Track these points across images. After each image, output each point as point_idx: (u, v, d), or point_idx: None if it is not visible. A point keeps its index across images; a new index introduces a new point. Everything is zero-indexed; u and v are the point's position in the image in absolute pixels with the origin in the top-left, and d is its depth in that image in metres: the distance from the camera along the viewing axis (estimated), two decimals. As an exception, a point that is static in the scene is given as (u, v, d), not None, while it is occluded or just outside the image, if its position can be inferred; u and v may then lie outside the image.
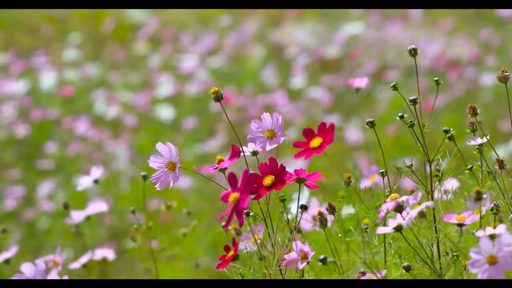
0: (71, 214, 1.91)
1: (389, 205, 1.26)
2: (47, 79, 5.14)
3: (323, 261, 1.22)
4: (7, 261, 1.81)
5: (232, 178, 1.20)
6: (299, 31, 6.05)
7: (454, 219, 1.28)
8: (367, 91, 4.88)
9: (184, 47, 5.73)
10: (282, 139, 1.32)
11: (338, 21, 6.02)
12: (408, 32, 5.77)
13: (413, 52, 1.43)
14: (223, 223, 1.23)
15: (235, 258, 1.29)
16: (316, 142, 1.27)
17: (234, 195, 1.19)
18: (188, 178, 4.06)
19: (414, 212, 1.21)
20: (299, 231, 1.43)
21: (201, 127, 4.70)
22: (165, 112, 4.84)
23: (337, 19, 6.12)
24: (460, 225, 1.28)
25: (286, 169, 1.29)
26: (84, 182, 1.86)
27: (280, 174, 1.28)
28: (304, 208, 1.35)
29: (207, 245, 3.07)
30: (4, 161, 4.43)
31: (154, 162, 1.31)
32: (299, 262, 1.31)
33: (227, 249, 1.31)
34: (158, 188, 1.30)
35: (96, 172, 1.85)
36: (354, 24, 5.66)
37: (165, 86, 5.08)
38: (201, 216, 3.22)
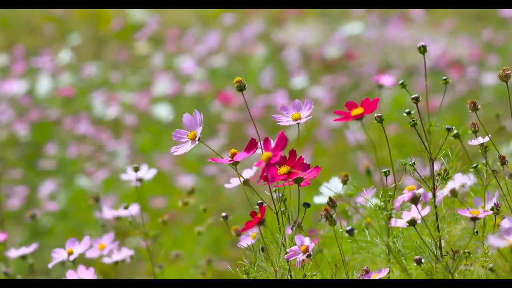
0: (103, 210, 1.89)
1: (405, 196, 1.26)
2: (43, 85, 5.13)
3: (350, 232, 1.22)
4: (23, 257, 1.82)
5: (266, 141, 1.26)
6: (301, 31, 6.05)
7: (468, 213, 1.28)
8: (368, 91, 4.88)
9: (186, 47, 5.73)
10: (305, 120, 1.38)
11: (339, 21, 6.02)
12: (409, 32, 5.77)
13: (423, 49, 1.43)
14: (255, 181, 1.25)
15: (261, 222, 1.29)
16: (357, 111, 1.29)
17: (267, 153, 1.23)
18: (190, 177, 4.06)
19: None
20: (300, 227, 1.44)
21: (202, 127, 4.70)
22: (163, 111, 4.83)
23: (338, 19, 6.12)
24: (474, 219, 1.28)
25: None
26: (131, 174, 1.75)
27: (296, 166, 1.31)
28: (307, 206, 1.36)
29: (209, 244, 3.07)
30: (5, 162, 4.43)
31: (177, 136, 1.38)
32: (300, 255, 1.32)
33: (253, 214, 1.31)
34: (175, 154, 1.36)
35: (148, 171, 1.75)
36: (354, 24, 5.66)
37: (163, 85, 5.08)
38: (203, 216, 3.22)
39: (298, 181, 1.31)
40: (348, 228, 1.23)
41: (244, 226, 1.32)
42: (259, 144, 1.36)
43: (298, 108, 1.37)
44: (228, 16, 6.09)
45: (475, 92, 4.69)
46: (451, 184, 1.22)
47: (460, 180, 1.29)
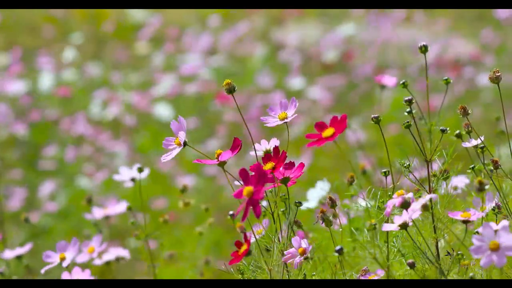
0: (93, 211, 1.89)
1: (395, 201, 1.26)
2: (45, 80, 5.13)
3: (340, 251, 1.22)
4: (19, 257, 1.82)
5: (243, 173, 1.23)
6: (301, 30, 6.06)
7: (459, 216, 1.28)
8: (367, 91, 4.88)
9: (185, 46, 5.73)
10: (291, 118, 1.37)
11: (339, 21, 6.03)
12: (408, 32, 5.78)
13: (424, 49, 1.42)
14: (240, 217, 1.25)
15: (248, 253, 1.30)
16: (328, 132, 1.29)
17: (248, 189, 1.21)
18: (190, 178, 4.06)
19: (417, 205, 1.21)
20: (299, 226, 1.44)
21: (202, 127, 4.71)
22: (163, 111, 4.84)
23: (338, 18, 6.13)
24: (465, 221, 1.28)
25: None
26: (123, 175, 1.75)
27: (280, 161, 1.31)
28: (299, 204, 1.37)
29: (209, 244, 3.07)
30: (5, 162, 4.43)
31: (166, 144, 1.38)
32: (297, 257, 1.32)
33: (238, 245, 1.32)
34: (164, 161, 1.36)
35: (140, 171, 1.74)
36: (348, 25, 5.66)
37: (163, 85, 5.08)
38: (203, 216, 3.22)
39: (285, 181, 1.31)
40: (337, 247, 1.22)
41: (232, 258, 1.32)
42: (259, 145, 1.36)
43: (285, 107, 1.38)
44: (228, 16, 6.09)
45: (473, 93, 4.70)
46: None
47: (455, 183, 1.29)
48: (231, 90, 1.35)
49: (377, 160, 3.46)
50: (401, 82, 1.43)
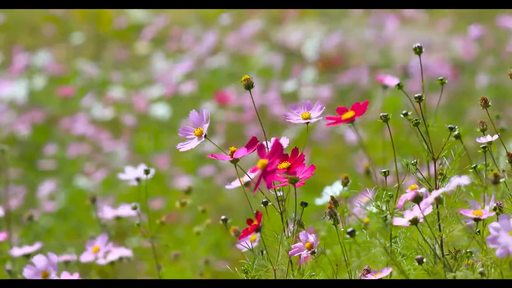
0: (104, 210, 1.89)
1: (408, 195, 1.27)
2: (38, 81, 5.13)
3: (351, 233, 1.23)
4: (27, 256, 1.82)
5: (261, 148, 1.25)
6: (301, 31, 6.06)
7: (471, 213, 1.29)
8: (365, 91, 4.89)
9: (186, 46, 5.74)
10: (315, 120, 1.38)
11: (339, 21, 6.04)
12: (407, 32, 5.79)
13: (418, 50, 1.44)
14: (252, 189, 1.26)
15: (258, 229, 1.30)
16: (348, 114, 1.29)
17: (263, 161, 1.22)
18: (188, 178, 4.07)
19: (430, 198, 1.21)
20: (301, 225, 1.45)
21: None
22: (161, 111, 4.84)
23: (338, 19, 6.13)
24: (477, 219, 1.29)
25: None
26: (129, 174, 1.74)
27: (297, 162, 1.32)
28: (304, 205, 1.37)
29: (209, 244, 3.08)
30: (5, 162, 4.43)
31: (183, 132, 1.38)
32: (304, 252, 1.33)
33: (249, 221, 1.32)
34: (181, 150, 1.36)
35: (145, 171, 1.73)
36: (345, 27, 5.68)
37: (162, 85, 5.08)
38: (203, 216, 3.23)
39: (294, 181, 1.32)
40: (349, 229, 1.23)
41: (242, 233, 1.32)
42: (264, 143, 1.37)
43: (308, 108, 1.38)
44: (228, 15, 6.09)
45: (470, 93, 4.71)
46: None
47: (457, 182, 1.30)
48: (249, 86, 1.37)
49: (374, 161, 3.46)
50: (396, 83, 1.44)
